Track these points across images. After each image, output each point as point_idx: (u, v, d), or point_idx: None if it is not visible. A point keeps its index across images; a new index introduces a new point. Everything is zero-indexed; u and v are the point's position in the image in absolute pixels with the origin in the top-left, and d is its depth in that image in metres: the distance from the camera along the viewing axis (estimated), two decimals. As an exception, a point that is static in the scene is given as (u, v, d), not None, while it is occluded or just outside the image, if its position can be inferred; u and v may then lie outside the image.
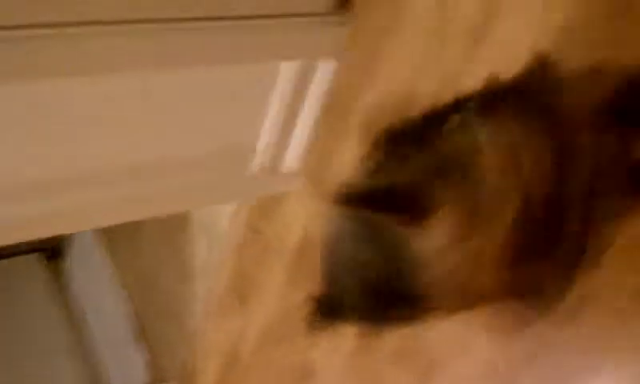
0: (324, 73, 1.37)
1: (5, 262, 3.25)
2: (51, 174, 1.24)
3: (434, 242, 0.73)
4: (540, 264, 0.75)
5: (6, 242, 1.24)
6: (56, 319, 3.07)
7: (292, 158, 1.54)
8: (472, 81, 0.85)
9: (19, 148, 1.16)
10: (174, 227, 2.26)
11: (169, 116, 1.28)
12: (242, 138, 1.42)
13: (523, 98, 0.74)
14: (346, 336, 1.54)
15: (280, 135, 1.48)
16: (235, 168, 1.46)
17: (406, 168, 0.76)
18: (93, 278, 2.97)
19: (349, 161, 1.45)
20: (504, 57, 0.77)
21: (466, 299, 0.79)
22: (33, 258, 3.24)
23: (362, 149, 1.37)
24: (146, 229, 2.46)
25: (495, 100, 0.77)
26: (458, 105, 0.80)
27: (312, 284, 1.62)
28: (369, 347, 1.47)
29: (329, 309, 0.92)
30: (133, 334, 2.64)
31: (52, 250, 3.29)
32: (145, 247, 2.50)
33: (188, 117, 1.31)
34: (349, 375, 1.55)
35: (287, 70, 1.34)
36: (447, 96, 0.86)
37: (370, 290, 0.84)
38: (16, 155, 1.16)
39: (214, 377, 2.15)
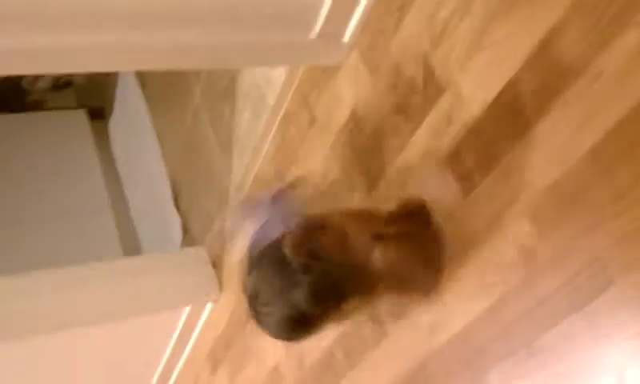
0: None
1: (52, 114, 3.31)
2: (108, 7, 1.24)
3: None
4: None
5: (49, 70, 1.25)
6: (97, 177, 3.14)
7: (352, 30, 1.51)
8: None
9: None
10: (220, 95, 2.26)
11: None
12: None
13: None
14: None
15: (343, 4, 1.45)
16: (296, 28, 1.44)
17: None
18: (135, 140, 3.01)
19: (404, 42, 1.43)
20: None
21: None
22: (78, 114, 3.29)
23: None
24: (192, 94, 2.47)
25: None
26: None
27: (355, 165, 1.63)
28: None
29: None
30: (170, 197, 2.70)
31: (97, 110, 3.34)
32: (188, 114, 2.52)
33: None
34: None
35: None
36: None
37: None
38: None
39: (246, 243, 2.20)
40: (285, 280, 1.15)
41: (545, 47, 1.12)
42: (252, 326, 2.14)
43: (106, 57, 1.32)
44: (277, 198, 1.38)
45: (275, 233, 1.20)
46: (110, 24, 1.27)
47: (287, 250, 1.14)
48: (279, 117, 1.92)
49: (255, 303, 1.20)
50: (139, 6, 1.26)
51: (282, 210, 1.33)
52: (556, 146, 1.13)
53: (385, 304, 1.57)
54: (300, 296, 1.13)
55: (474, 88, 1.27)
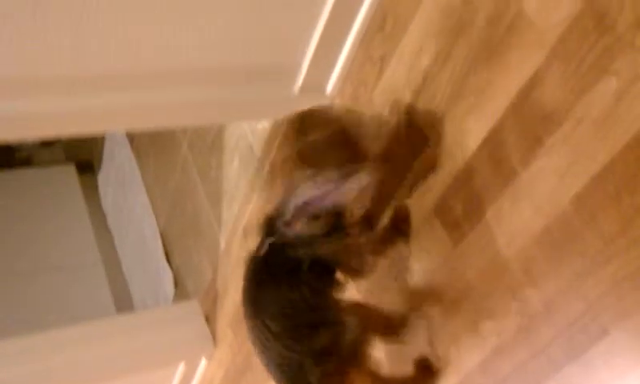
0: None
1: (41, 170, 3.30)
2: (96, 71, 1.24)
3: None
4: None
5: (46, 133, 1.25)
6: (87, 232, 3.12)
7: (334, 81, 1.52)
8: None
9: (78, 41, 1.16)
10: (207, 148, 2.25)
11: (216, 18, 1.26)
12: (287, 55, 1.40)
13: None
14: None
15: (324, 58, 1.45)
16: (279, 83, 1.44)
17: None
18: (125, 194, 3.00)
19: (386, 91, 1.42)
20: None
21: None
22: (67, 169, 3.29)
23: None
24: (179, 147, 2.47)
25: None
26: None
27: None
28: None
29: None
30: (161, 251, 2.67)
31: (85, 164, 3.33)
32: (177, 167, 2.51)
33: (235, 23, 1.29)
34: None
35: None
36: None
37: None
38: (69, 47, 1.16)
39: (237, 296, 2.17)
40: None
41: (526, 94, 1.12)
42: (248, 379, 2.11)
43: (93, 119, 1.32)
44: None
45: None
46: (97, 87, 1.26)
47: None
48: (266, 167, 1.91)
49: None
50: (127, 69, 1.26)
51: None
52: (542, 194, 1.11)
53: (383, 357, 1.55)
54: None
55: (457, 136, 1.26)
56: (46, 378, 2.17)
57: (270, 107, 1.52)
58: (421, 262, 1.39)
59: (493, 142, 1.19)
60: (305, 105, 1.51)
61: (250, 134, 1.96)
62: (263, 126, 1.86)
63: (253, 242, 1.30)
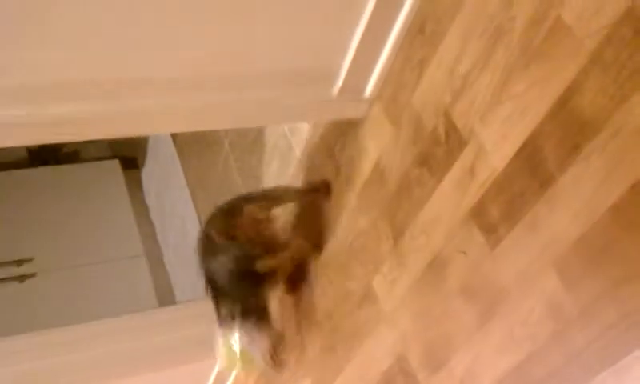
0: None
1: (86, 165, 3.39)
2: (143, 73, 1.28)
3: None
4: None
5: (95, 137, 1.30)
6: (131, 226, 3.19)
7: (373, 83, 1.53)
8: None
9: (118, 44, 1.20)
10: (248, 147, 2.29)
11: (261, 25, 1.29)
12: (328, 57, 1.42)
13: None
14: (409, 268, 1.55)
15: (364, 60, 1.47)
16: (319, 86, 1.46)
17: None
18: (167, 190, 3.06)
19: (425, 94, 1.44)
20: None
21: None
22: (112, 164, 3.36)
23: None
24: (221, 146, 2.51)
25: None
26: None
27: (381, 215, 1.64)
28: (432, 282, 1.48)
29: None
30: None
31: (130, 160, 3.41)
32: (218, 165, 2.56)
33: (278, 29, 1.32)
34: (411, 305, 1.56)
35: None
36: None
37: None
38: (114, 52, 1.21)
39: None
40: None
41: (564, 101, 1.12)
42: (288, 374, 2.14)
43: (140, 120, 1.37)
44: None
45: None
46: (141, 90, 1.31)
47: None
48: (305, 168, 1.94)
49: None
50: (171, 74, 1.30)
51: None
52: (580, 200, 1.11)
53: (415, 356, 1.56)
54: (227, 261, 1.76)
55: (496, 141, 1.27)
56: (88, 368, 2.24)
57: (310, 109, 1.55)
58: (457, 265, 1.40)
59: (530, 148, 1.19)
60: (344, 107, 1.54)
61: (289, 134, 1.99)
62: (303, 126, 1.89)
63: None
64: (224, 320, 1.86)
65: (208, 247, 1.81)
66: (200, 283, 2.77)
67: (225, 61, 1.32)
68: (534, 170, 1.19)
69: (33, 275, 2.97)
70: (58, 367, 2.19)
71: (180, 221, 2.94)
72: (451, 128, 1.38)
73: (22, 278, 2.95)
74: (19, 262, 2.99)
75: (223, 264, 1.78)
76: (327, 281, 1.91)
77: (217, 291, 1.83)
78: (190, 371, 2.54)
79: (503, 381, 1.31)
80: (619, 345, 1.09)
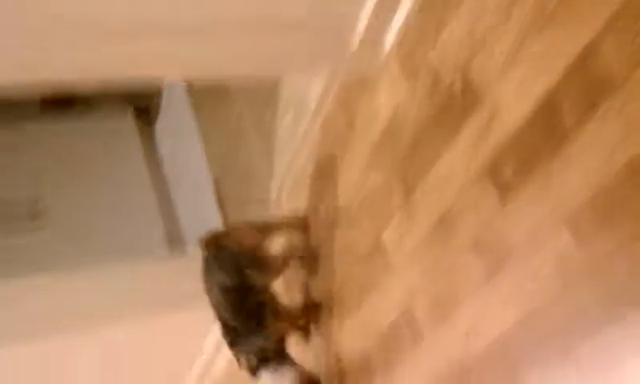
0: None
1: (100, 114, 3.40)
2: (154, 17, 1.29)
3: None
4: None
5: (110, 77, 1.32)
6: (144, 176, 3.22)
7: (390, 39, 1.53)
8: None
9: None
10: (263, 99, 2.30)
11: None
12: (346, 7, 1.42)
13: None
14: (418, 223, 1.57)
15: (383, 12, 1.47)
16: (336, 37, 1.46)
17: None
18: (181, 141, 3.08)
19: (443, 51, 1.44)
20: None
21: None
22: (126, 116, 3.38)
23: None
24: (235, 98, 2.52)
25: None
26: None
27: (393, 171, 1.65)
28: (442, 236, 1.50)
29: None
30: (213, 198, 2.75)
31: (144, 111, 3.42)
32: (232, 117, 2.57)
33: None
34: (419, 258, 1.59)
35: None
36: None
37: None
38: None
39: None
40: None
41: (582, 60, 1.12)
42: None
43: (153, 63, 1.38)
44: None
45: None
46: (155, 33, 1.32)
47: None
48: (319, 121, 1.95)
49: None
50: (188, 16, 1.31)
51: None
52: (595, 158, 1.12)
53: (421, 308, 1.59)
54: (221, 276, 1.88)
55: (512, 99, 1.27)
56: (96, 310, 2.28)
57: (326, 61, 1.55)
58: (468, 220, 1.42)
59: (547, 106, 1.20)
60: (361, 60, 1.54)
61: (306, 88, 2.00)
62: (319, 78, 1.89)
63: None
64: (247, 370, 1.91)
65: (208, 264, 1.93)
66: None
67: (243, 3, 1.31)
68: (549, 127, 1.20)
69: (44, 218, 3.01)
70: (64, 308, 2.24)
71: (192, 172, 2.97)
72: (468, 84, 1.39)
73: (33, 220, 3.00)
74: (31, 205, 3.04)
75: (222, 284, 1.87)
76: (337, 234, 1.93)
77: (230, 337, 1.90)
78: (195, 320, 2.59)
79: (508, 334, 1.34)
80: (627, 302, 1.11)
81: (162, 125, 3.28)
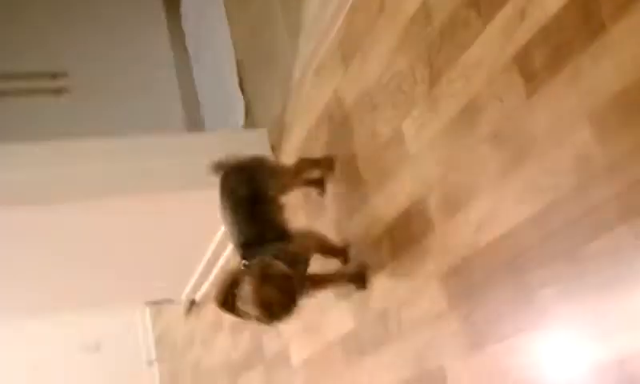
0: None
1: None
2: None
3: None
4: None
5: None
6: (166, 51, 3.18)
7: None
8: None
9: None
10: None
11: None
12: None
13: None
14: (440, 114, 1.54)
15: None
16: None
17: None
18: (205, 18, 3.02)
19: None
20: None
21: None
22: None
23: None
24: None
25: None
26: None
27: (420, 57, 1.61)
28: (462, 127, 1.48)
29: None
30: (235, 78, 2.73)
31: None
32: (259, -4, 2.51)
33: None
34: (437, 147, 1.57)
35: None
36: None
37: None
38: None
39: (304, 130, 2.23)
40: None
41: (631, -55, 1.06)
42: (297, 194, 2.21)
43: None
44: None
45: None
46: None
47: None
48: (349, 3, 1.89)
49: None
50: None
51: None
52: (627, 53, 1.08)
53: (434, 199, 1.59)
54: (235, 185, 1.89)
55: (551, -15, 1.22)
56: (107, 181, 2.30)
57: None
58: (491, 111, 1.39)
59: (587, -7, 1.15)
60: None
61: (337, -34, 1.93)
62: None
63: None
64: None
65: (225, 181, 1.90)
66: (229, 115, 2.80)
67: None
68: (586, 17, 1.15)
69: (66, 89, 3.01)
70: (77, 175, 2.26)
71: (215, 49, 2.93)
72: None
73: (55, 91, 3.00)
74: (54, 75, 3.03)
75: (236, 195, 1.84)
76: (358, 120, 1.91)
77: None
78: (210, 199, 2.62)
79: (519, 228, 1.34)
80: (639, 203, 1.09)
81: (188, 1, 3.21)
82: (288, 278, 1.61)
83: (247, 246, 1.76)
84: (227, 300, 1.63)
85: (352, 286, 1.95)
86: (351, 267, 1.98)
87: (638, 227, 1.09)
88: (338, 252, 2.01)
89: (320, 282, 1.91)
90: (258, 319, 1.60)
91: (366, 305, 1.93)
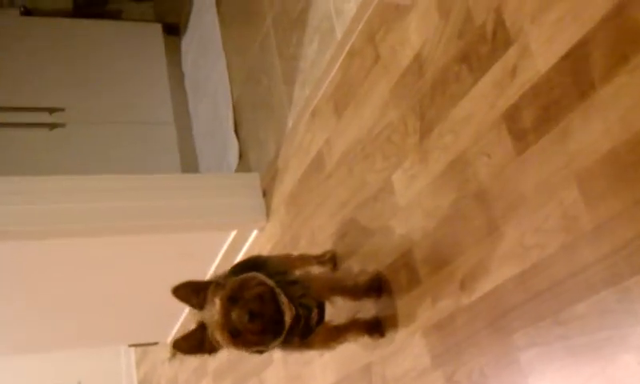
0: None
1: (129, 24, 3.37)
2: None
3: None
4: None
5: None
6: (164, 91, 3.19)
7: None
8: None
9: None
10: (291, 24, 2.25)
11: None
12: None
13: None
14: (429, 166, 1.53)
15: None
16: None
17: None
18: (204, 60, 3.04)
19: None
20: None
21: None
22: (154, 27, 3.34)
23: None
24: (264, 19, 2.47)
25: None
26: None
27: (412, 109, 1.61)
28: (450, 182, 1.47)
29: None
30: (231, 121, 2.73)
31: (172, 26, 3.38)
32: (258, 39, 2.52)
33: None
34: (426, 200, 1.56)
35: None
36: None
37: None
38: None
39: (295, 176, 2.22)
40: None
41: (620, 9, 1.06)
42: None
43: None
44: None
45: None
46: None
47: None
48: (344, 52, 1.90)
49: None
50: None
51: None
52: (617, 113, 1.07)
53: (420, 252, 1.57)
54: None
55: (543, 43, 1.22)
56: (100, 219, 2.28)
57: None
58: (479, 167, 1.38)
59: (576, 54, 1.15)
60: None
61: (335, 15, 1.94)
62: (350, 6, 1.84)
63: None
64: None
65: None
66: (223, 157, 2.80)
67: None
68: (576, 76, 1.15)
69: (63, 125, 3.01)
70: (74, 212, 2.24)
71: (213, 92, 2.94)
72: (500, 25, 1.33)
73: (52, 126, 3.00)
74: (51, 110, 3.03)
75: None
76: (347, 170, 1.90)
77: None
78: (204, 240, 2.60)
79: (504, 287, 1.32)
80: (626, 266, 1.07)
81: (188, 40, 3.24)
82: (265, 302, 1.35)
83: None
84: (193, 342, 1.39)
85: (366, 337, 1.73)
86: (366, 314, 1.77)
87: (622, 292, 1.07)
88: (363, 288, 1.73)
89: (335, 333, 1.68)
90: (227, 346, 1.36)
91: (350, 358, 1.89)
